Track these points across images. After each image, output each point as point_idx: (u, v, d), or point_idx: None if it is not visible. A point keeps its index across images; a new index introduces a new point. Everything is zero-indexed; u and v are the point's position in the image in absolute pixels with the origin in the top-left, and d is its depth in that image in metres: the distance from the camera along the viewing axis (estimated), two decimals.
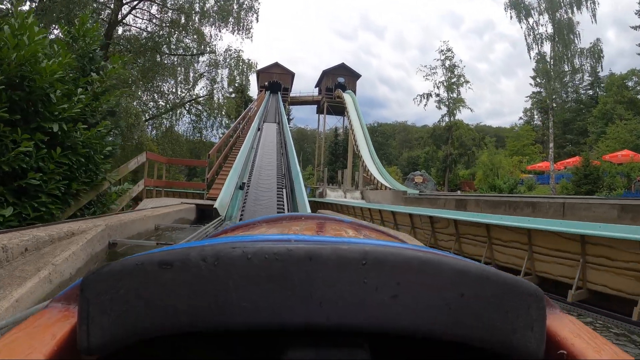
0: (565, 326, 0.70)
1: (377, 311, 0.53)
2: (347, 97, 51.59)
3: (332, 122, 65.74)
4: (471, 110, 56.77)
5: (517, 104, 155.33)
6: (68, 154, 6.24)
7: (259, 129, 27.47)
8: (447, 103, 54.51)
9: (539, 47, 35.85)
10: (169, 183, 17.70)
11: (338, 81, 58.53)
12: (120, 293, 0.55)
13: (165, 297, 0.53)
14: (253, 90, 57.02)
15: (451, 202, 21.92)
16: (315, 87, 64.00)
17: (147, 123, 26.11)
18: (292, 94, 60.00)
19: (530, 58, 37.40)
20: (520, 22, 36.62)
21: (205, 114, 29.67)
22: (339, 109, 56.32)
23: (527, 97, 63.88)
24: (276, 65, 59.90)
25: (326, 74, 59.68)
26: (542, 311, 0.62)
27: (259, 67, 59.05)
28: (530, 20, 36.23)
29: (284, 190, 12.32)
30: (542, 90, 56.61)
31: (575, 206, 14.20)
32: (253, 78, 54.68)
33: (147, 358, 0.72)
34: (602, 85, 54.97)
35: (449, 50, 55.10)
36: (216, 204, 10.08)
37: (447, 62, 54.72)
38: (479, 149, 57.09)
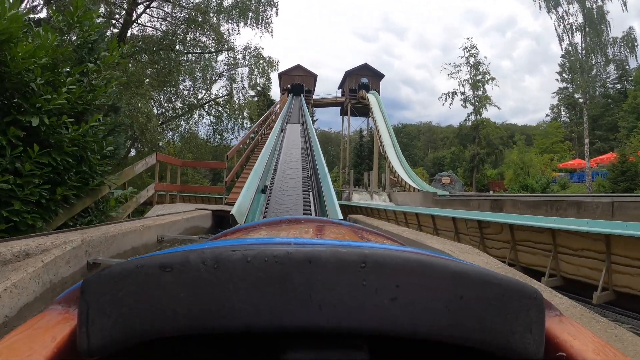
0: (565, 328, 0.70)
1: (376, 313, 0.53)
2: (371, 97, 50.47)
3: (356, 123, 64.65)
4: (498, 108, 55.53)
5: (542, 102, 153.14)
6: (52, 153, 5.14)
7: (282, 130, 26.14)
8: (472, 101, 53.57)
9: (570, 38, 33.90)
10: (184, 187, 16.57)
11: (361, 82, 57.33)
12: (120, 295, 0.56)
13: (165, 300, 0.54)
14: (275, 93, 56.38)
15: (485, 204, 20.54)
16: (338, 88, 63.11)
17: (164, 126, 25.16)
18: (314, 97, 59.04)
19: (562, 50, 35.36)
20: (549, 12, 34.81)
21: (225, 115, 28.54)
22: (363, 110, 55.32)
23: (553, 93, 62.44)
24: (298, 67, 59.06)
25: (349, 75, 58.64)
26: (541, 313, 0.62)
27: (280, 70, 58.50)
28: (560, 10, 34.43)
29: (311, 193, 11.16)
30: (569, 85, 56.87)
31: (625, 205, 12.77)
32: (274, 77, 53.58)
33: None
34: (630, 78, 53.12)
35: (473, 47, 54.43)
36: (233, 210, 8.80)
37: (472, 59, 54.03)
38: (507, 147, 55.58)
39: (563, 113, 62.38)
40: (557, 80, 60.17)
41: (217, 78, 27.43)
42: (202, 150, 27.20)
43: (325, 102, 60.85)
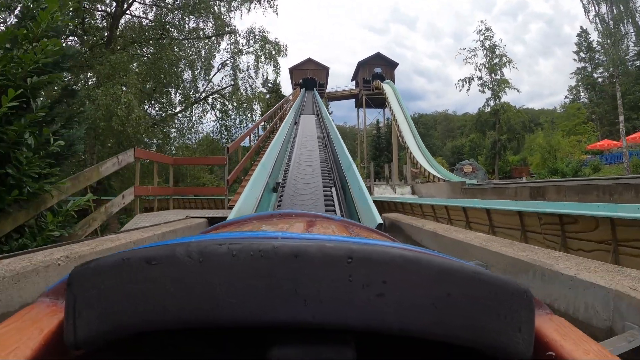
0: (554, 328, 0.70)
1: (363, 309, 0.53)
2: (386, 87, 48.65)
3: (371, 116, 63.12)
4: (518, 91, 53.37)
5: (557, 85, 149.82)
6: None
7: (295, 123, 23.53)
8: (490, 86, 51.41)
9: (596, 7, 31.60)
10: (179, 190, 14.22)
11: (375, 72, 55.63)
12: (106, 288, 0.56)
13: (151, 293, 0.54)
14: (286, 90, 54.60)
15: (523, 191, 18.50)
16: (352, 80, 61.55)
17: (164, 124, 22.84)
18: (327, 90, 57.35)
19: (590, 21, 32.94)
20: None
21: (231, 108, 25.75)
22: (379, 101, 53.66)
23: (572, 74, 59.14)
24: (309, 61, 57.68)
25: (362, 65, 57.09)
26: (530, 312, 0.62)
27: (289, 60, 56.60)
28: None
29: (333, 188, 8.93)
30: (587, 65, 55.29)
31: None
32: (284, 64, 51.27)
33: (135, 354, 0.71)
34: None
35: (487, 29, 52.21)
36: (230, 216, 6.66)
37: (487, 43, 51.78)
38: (528, 132, 53.26)
39: (582, 94, 59.61)
40: (574, 60, 57.81)
41: (220, 67, 25.05)
42: (204, 146, 24.89)
43: (339, 95, 59.29)
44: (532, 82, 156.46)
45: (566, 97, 61.77)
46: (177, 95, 23.12)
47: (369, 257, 0.53)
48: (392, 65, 57.53)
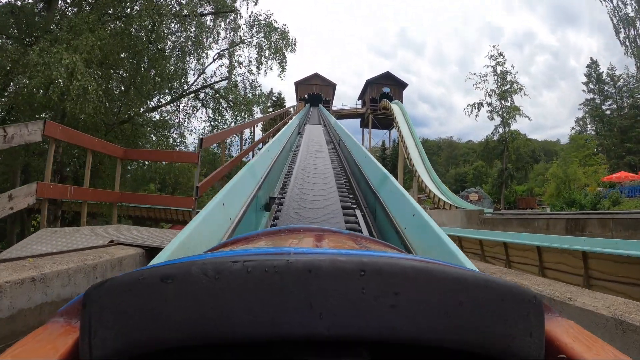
0: (565, 330, 0.70)
1: (376, 321, 0.54)
2: (395, 107, 46.80)
3: (375, 137, 61.09)
4: (529, 119, 51.19)
5: (561, 117, 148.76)
6: None
7: (299, 132, 19.62)
8: (500, 112, 49.05)
9: (627, 30, 30.05)
10: (127, 196, 9.70)
11: (383, 91, 54.02)
12: (122, 307, 0.56)
13: (166, 311, 0.55)
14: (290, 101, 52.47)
15: (558, 224, 16.23)
16: (359, 99, 59.95)
17: (146, 116, 19.16)
18: (333, 107, 55.53)
19: (620, 41, 31.34)
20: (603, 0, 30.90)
21: (225, 104, 21.32)
22: (385, 122, 52.42)
23: (580, 105, 57.47)
24: (316, 76, 55.94)
25: (370, 84, 55.33)
26: (540, 317, 0.63)
27: (297, 79, 54.44)
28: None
29: (358, 211, 5.79)
30: (596, 96, 54.36)
31: None
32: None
33: None
34: None
35: (500, 55, 49.85)
36: (169, 251, 2.32)
37: (499, 68, 49.45)
38: (535, 162, 51.45)
39: (589, 126, 57.99)
40: (583, 91, 56.60)
41: (216, 57, 21.06)
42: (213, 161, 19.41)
43: (345, 113, 57.09)
44: (536, 114, 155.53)
45: (573, 128, 59.51)
46: (160, 83, 18.37)
47: (380, 269, 0.54)
48: (401, 85, 56.00)
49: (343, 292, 0.53)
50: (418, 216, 3.66)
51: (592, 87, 54.39)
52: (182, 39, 18.56)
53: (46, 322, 0.68)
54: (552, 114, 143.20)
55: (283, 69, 21.38)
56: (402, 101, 51.99)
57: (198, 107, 21.51)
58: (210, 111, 21.25)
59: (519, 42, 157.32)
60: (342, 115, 56.38)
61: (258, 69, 21.30)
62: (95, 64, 14.43)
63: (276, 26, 21.07)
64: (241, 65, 21.07)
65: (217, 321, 0.52)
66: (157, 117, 20.55)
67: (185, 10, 17.16)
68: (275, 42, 20.91)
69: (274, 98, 47.70)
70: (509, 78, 49.07)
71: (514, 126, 49.18)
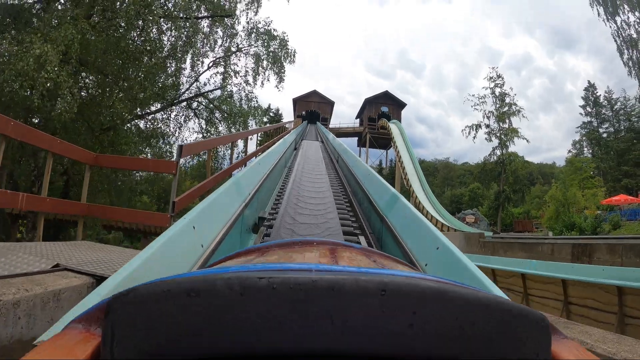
0: (570, 352, 0.72)
1: (394, 339, 0.55)
2: (393, 127, 46.43)
3: (372, 157, 60.44)
4: (527, 141, 50.87)
5: (556, 140, 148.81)
6: None
7: (295, 148, 18.70)
8: (498, 134, 49.21)
9: (630, 51, 29.74)
10: (92, 209, 7.82)
11: (381, 110, 53.20)
12: (146, 318, 0.57)
13: (190, 324, 0.55)
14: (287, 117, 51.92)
15: (563, 249, 15.41)
16: (356, 118, 59.46)
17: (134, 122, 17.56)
18: (331, 126, 54.53)
19: (624, 63, 30.81)
20: (607, 20, 30.56)
21: (219, 115, 19.98)
22: (383, 142, 51.87)
23: (577, 127, 57.47)
24: (314, 93, 55.27)
25: (368, 103, 54.62)
26: (547, 337, 0.65)
27: (295, 96, 53.85)
28: (619, 19, 30.52)
29: (362, 237, 4.91)
30: (593, 119, 54.37)
31: None
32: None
33: None
34: None
35: (499, 77, 50.23)
36: (113, 282, 1.78)
37: (498, 90, 49.80)
38: (532, 184, 52.63)
39: (586, 149, 57.71)
40: (580, 114, 56.71)
41: (211, 64, 19.80)
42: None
43: (342, 132, 56.39)
44: (532, 137, 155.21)
45: (569, 151, 59.18)
46: (151, 85, 16.42)
47: (400, 289, 0.56)
48: (400, 105, 55.37)
49: (364, 310, 0.54)
50: (445, 250, 2.75)
51: (590, 110, 54.49)
52: (173, 39, 17.15)
53: (64, 328, 0.67)
54: (548, 136, 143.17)
55: (281, 80, 20.41)
56: (400, 121, 51.58)
57: (190, 117, 20.41)
58: (203, 122, 20.13)
59: (517, 65, 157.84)
60: (340, 133, 55.92)
61: (255, 79, 20.33)
62: (74, 60, 13.39)
63: (275, 34, 20.16)
64: (237, 75, 20.12)
65: (240, 335, 0.53)
66: (148, 125, 19.15)
67: (180, 12, 16.10)
68: (274, 52, 19.99)
69: (271, 114, 47.20)
70: (507, 100, 49.22)
71: (511, 148, 49.28)
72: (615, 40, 30.91)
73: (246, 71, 20.11)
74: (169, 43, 17.02)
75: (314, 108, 53.45)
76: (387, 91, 55.36)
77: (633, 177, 47.85)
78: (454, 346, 0.56)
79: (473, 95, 51.55)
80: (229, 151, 14.51)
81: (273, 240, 1.28)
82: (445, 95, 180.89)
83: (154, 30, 15.81)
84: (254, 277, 0.55)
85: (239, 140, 14.60)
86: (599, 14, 31.92)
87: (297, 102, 54.06)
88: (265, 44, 19.80)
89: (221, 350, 0.54)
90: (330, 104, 55.78)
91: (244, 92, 20.50)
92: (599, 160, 51.29)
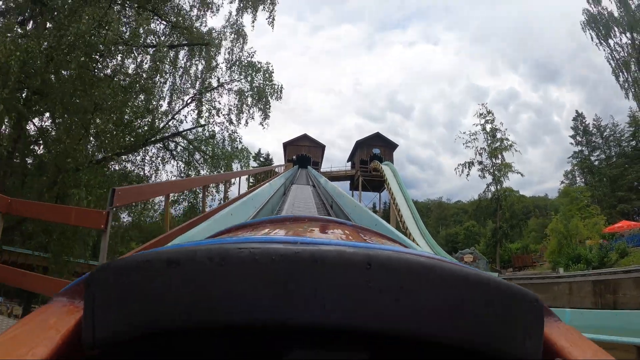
0: (563, 335, 0.70)
1: (379, 314, 0.54)
2: (385, 168, 45.67)
3: (366, 199, 59.88)
4: (522, 175, 50.25)
5: (546, 172, 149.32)
6: None
7: (284, 193, 17.84)
8: (491, 170, 48.33)
9: (624, 72, 29.91)
10: (14, 204, 5.71)
11: (373, 152, 52.93)
12: (126, 289, 0.57)
13: (170, 294, 0.55)
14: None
15: (583, 287, 14.58)
16: (348, 161, 59.17)
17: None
18: (322, 170, 53.89)
19: (620, 86, 30.91)
20: (600, 44, 30.75)
21: (199, 157, 17.88)
22: (375, 184, 50.62)
23: (569, 158, 57.09)
24: (304, 137, 55.47)
25: (360, 145, 54.30)
26: (540, 319, 0.63)
27: (284, 139, 53.38)
28: (611, 42, 30.71)
29: None
30: (584, 148, 53.95)
31: None
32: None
33: (151, 355, 0.69)
34: None
35: (489, 112, 49.68)
36: None
37: (488, 126, 49.13)
38: (527, 218, 52.25)
39: (578, 178, 56.90)
40: (571, 144, 56.22)
41: (189, 100, 17.85)
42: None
43: (334, 176, 55.09)
44: (522, 170, 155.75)
45: (562, 182, 58.40)
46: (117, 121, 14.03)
47: (386, 263, 0.54)
48: (392, 146, 55.26)
49: (348, 283, 0.53)
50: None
51: (580, 139, 54.23)
52: (145, 66, 15.33)
53: (49, 301, 0.67)
54: (537, 169, 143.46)
55: (266, 116, 18.55)
56: (392, 162, 51.19)
57: (166, 159, 18.03)
58: (182, 164, 18.03)
59: (504, 101, 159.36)
60: (332, 177, 55.02)
61: (239, 117, 18.51)
62: (12, 81, 11.56)
63: (259, 66, 18.55)
64: (220, 114, 18.24)
65: (220, 306, 0.53)
66: (115, 167, 16.49)
67: (153, 39, 14.54)
68: (259, 87, 18.31)
69: (262, 159, 46.57)
70: (498, 135, 48.65)
71: (506, 183, 48.52)
72: (610, 64, 31.06)
73: (229, 108, 18.33)
74: (138, 72, 15.20)
75: (304, 152, 53.37)
76: (378, 133, 55.59)
77: (628, 202, 47.28)
78: (442, 324, 0.55)
79: (464, 133, 51.37)
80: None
81: (265, 217, 1.27)
82: (435, 135, 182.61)
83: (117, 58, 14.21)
84: (235, 248, 0.54)
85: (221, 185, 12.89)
86: (592, 38, 32.63)
87: (287, 146, 53.93)
88: (249, 78, 18.27)
89: (200, 320, 0.53)
90: (321, 147, 55.82)
91: (227, 131, 18.62)
92: (592, 188, 50.91)
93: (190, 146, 18.14)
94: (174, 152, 18.08)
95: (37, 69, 12.37)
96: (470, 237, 59.81)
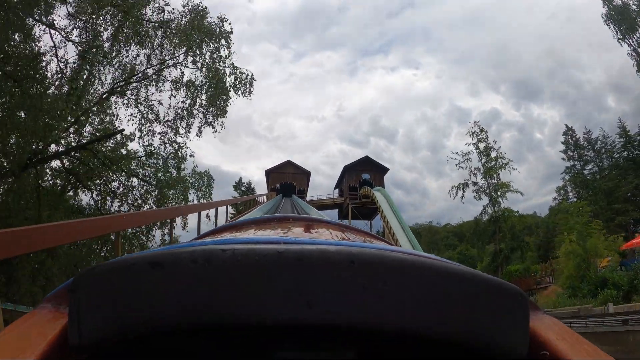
0: (549, 328, 0.71)
1: (364, 311, 0.55)
2: (377, 194, 41.41)
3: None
4: (521, 194, 47.31)
5: (531, 189, 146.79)
6: None
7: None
8: (487, 191, 45.50)
9: None
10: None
11: (362, 178, 49.14)
12: (111, 292, 0.57)
13: (155, 297, 0.55)
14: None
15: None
16: (335, 188, 55.11)
17: None
18: (308, 198, 50.33)
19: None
20: (623, 40, 29.89)
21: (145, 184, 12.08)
22: (366, 212, 47.16)
23: (562, 173, 54.25)
24: (288, 164, 51.82)
25: (348, 170, 50.67)
26: (525, 312, 0.64)
27: (268, 167, 49.44)
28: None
29: None
30: (576, 162, 51.89)
31: None
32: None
33: (138, 357, 0.70)
34: (635, 143, 47.32)
35: (482, 131, 47.01)
36: None
37: (482, 145, 46.28)
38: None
39: (571, 193, 53.93)
40: (563, 159, 53.57)
41: (107, 96, 11.91)
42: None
43: (321, 204, 51.25)
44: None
45: (555, 198, 55.69)
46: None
47: (369, 260, 0.55)
48: (382, 170, 51.67)
49: (332, 282, 0.53)
50: None
51: (571, 153, 51.82)
52: None
53: (34, 308, 0.67)
54: (523, 186, 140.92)
55: (223, 113, 13.08)
56: (383, 187, 47.56)
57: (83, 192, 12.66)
58: (94, 194, 12.39)
59: (486, 121, 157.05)
60: (319, 206, 50.94)
61: (189, 123, 13.03)
62: None
63: (215, 29, 12.74)
64: (158, 122, 12.56)
65: (204, 307, 0.52)
66: None
67: None
68: (224, 74, 12.43)
69: (243, 188, 42.40)
70: (493, 154, 45.91)
71: (504, 204, 45.65)
72: (634, 59, 27.79)
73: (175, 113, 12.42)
74: None
75: (288, 180, 49.98)
76: (367, 156, 52.18)
77: (626, 214, 45.05)
78: (426, 319, 0.55)
79: (456, 154, 48.43)
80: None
81: (250, 217, 1.28)
82: (419, 158, 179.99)
83: None
84: (218, 250, 0.54)
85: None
86: (617, 33, 30.23)
87: (270, 173, 50.71)
88: (198, 50, 12.26)
89: (185, 321, 0.53)
90: (307, 174, 52.51)
91: (170, 145, 12.70)
92: (588, 202, 47.93)
93: (105, 164, 12.41)
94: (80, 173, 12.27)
95: None
96: (464, 261, 55.54)
